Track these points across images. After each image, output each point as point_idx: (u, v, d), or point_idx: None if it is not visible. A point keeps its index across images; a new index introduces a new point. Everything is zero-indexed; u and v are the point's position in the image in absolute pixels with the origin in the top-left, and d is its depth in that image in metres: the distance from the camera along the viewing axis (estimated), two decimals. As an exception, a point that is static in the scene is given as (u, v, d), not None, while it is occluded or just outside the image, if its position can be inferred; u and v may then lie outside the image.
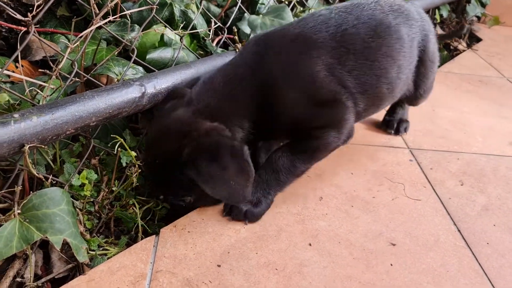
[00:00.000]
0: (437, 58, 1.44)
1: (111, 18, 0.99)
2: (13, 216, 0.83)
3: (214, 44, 1.39)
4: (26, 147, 0.81)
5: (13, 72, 1.24)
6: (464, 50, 2.65)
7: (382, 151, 1.47)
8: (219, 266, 0.96)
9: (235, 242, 1.02)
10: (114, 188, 1.04)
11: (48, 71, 1.01)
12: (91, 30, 0.96)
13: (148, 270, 0.93)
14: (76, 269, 1.02)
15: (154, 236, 1.02)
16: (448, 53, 2.56)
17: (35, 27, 1.21)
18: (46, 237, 0.83)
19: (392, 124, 1.57)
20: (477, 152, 1.52)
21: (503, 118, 1.81)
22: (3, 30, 1.38)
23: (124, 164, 1.06)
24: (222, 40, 1.40)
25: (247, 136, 1.10)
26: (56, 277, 1.00)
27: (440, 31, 2.74)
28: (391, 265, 1.01)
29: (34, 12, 0.85)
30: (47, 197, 0.85)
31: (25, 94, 0.92)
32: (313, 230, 1.08)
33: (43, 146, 0.85)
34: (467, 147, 1.55)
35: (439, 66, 2.39)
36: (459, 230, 1.14)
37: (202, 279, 0.92)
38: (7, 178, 1.13)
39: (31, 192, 0.97)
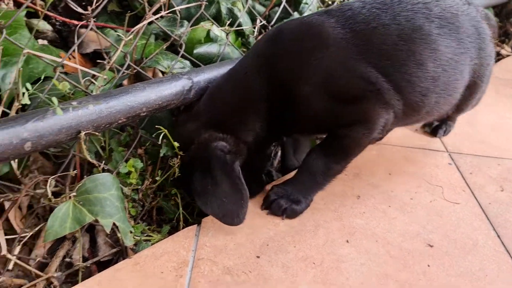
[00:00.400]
0: (489, 79, 1.33)
1: (163, 13, 1.02)
2: (67, 199, 0.87)
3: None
4: (82, 134, 0.86)
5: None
6: (508, 55, 2.59)
7: (420, 153, 1.46)
8: (258, 257, 0.98)
9: (274, 235, 1.04)
10: (157, 178, 1.08)
11: (103, 62, 1.05)
12: (144, 25, 1.00)
13: (190, 258, 0.96)
14: (120, 254, 1.06)
15: (195, 225, 1.05)
16: (491, 57, 2.50)
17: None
18: (97, 220, 0.87)
19: (431, 123, 1.55)
20: (520, 159, 1.50)
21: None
22: (57, 23, 1.45)
23: (161, 154, 1.09)
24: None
25: (263, 137, 1.10)
26: (101, 260, 1.05)
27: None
28: (428, 266, 1.01)
29: (93, 6, 0.90)
30: (99, 182, 0.89)
31: (81, 84, 0.96)
32: (350, 228, 1.09)
33: (97, 134, 0.89)
34: (508, 153, 1.52)
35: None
36: (498, 236, 1.13)
37: (242, 269, 0.94)
38: (58, 163, 1.19)
39: (84, 177, 1.02)
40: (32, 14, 1.33)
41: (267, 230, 1.06)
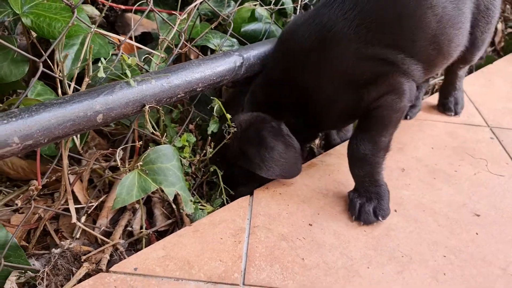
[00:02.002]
0: (496, 10, 1.27)
1: (214, -7, 1.06)
2: (133, 169, 0.93)
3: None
4: (147, 107, 0.91)
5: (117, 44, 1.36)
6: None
7: (461, 129, 1.47)
8: (310, 225, 1.02)
9: (324, 205, 1.08)
10: (210, 150, 1.12)
11: (156, 42, 1.10)
12: (196, 5, 1.04)
13: (246, 225, 1.01)
14: (175, 224, 1.12)
15: (248, 196, 1.10)
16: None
17: (137, 6, 1.31)
18: (161, 188, 0.92)
19: (449, 107, 1.54)
20: (562, 133, 1.49)
21: None
22: (105, 8, 1.50)
23: (209, 132, 1.14)
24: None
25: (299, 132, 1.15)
26: (158, 230, 1.11)
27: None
28: (477, 234, 1.04)
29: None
30: (162, 153, 0.94)
31: (141, 60, 1.01)
32: (397, 198, 1.12)
33: (159, 107, 0.94)
34: (551, 127, 1.52)
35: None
36: (545, 206, 1.14)
37: (296, 236, 0.99)
38: (112, 141, 1.25)
39: (141, 151, 1.07)
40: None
41: (316, 200, 1.10)
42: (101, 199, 1.08)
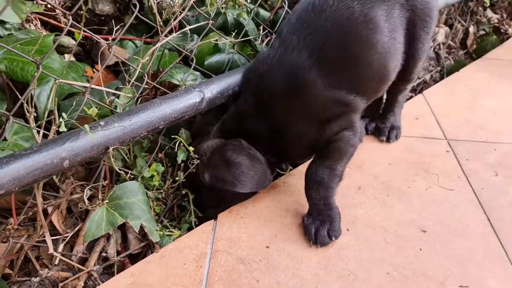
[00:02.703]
0: (432, 20, 1.35)
1: (175, 34, 1.15)
2: (101, 205, 1.02)
3: (263, 45, 1.53)
4: (111, 149, 1.00)
5: (91, 77, 1.44)
6: (514, 34, 2.62)
7: (420, 142, 1.56)
8: (267, 247, 1.12)
9: (282, 227, 1.18)
10: (177, 178, 1.22)
11: (125, 78, 1.18)
12: (157, 46, 1.13)
13: (208, 250, 1.10)
14: (148, 247, 1.22)
15: (213, 221, 1.19)
16: (498, 37, 2.54)
17: (109, 36, 1.40)
18: (127, 222, 1.02)
19: (384, 132, 1.56)
20: (516, 143, 1.58)
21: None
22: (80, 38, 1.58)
23: (179, 161, 1.23)
24: (271, 42, 1.53)
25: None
26: (132, 252, 1.20)
27: (491, 14, 2.71)
28: (420, 249, 1.13)
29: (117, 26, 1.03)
30: (128, 189, 1.04)
31: (105, 101, 1.10)
32: (351, 217, 1.22)
33: (123, 147, 1.03)
34: (506, 138, 1.60)
35: (485, 51, 2.39)
36: (488, 219, 1.24)
37: (253, 258, 1.08)
38: (89, 169, 1.34)
39: (113, 182, 1.17)
40: (53, 29, 1.47)
41: (275, 222, 1.19)
42: (77, 228, 1.18)
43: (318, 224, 1.14)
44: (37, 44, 1.20)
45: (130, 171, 1.14)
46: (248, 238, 1.14)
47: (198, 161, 1.17)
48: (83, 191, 1.24)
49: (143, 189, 1.07)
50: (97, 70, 1.51)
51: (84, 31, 1.06)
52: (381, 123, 1.58)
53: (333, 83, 1.15)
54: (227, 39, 1.32)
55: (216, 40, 1.30)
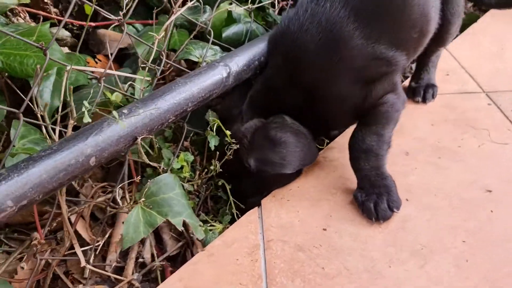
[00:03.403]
0: None
1: (190, 4, 1.01)
2: (135, 204, 0.89)
3: (276, 13, 1.40)
4: (139, 139, 0.86)
5: (95, 67, 1.30)
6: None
7: (457, 98, 1.45)
8: (325, 229, 1.00)
9: (334, 205, 1.06)
10: (210, 167, 1.09)
11: (132, 65, 1.05)
12: (173, 19, 0.99)
13: (259, 240, 0.98)
14: (186, 246, 1.09)
15: (256, 208, 1.07)
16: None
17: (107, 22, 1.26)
18: (168, 220, 0.89)
19: (419, 91, 1.44)
20: (557, 87, 1.47)
21: None
22: (74, 28, 1.44)
23: (212, 147, 1.10)
24: (286, 7, 1.40)
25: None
26: (170, 254, 1.08)
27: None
28: (492, 211, 1.02)
29: (124, 10, 0.89)
30: (163, 183, 0.91)
31: (120, 88, 0.96)
32: (406, 185, 1.10)
33: (151, 136, 0.90)
34: (545, 83, 1.50)
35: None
36: (553, 170, 1.13)
37: (313, 244, 0.96)
38: (107, 169, 1.21)
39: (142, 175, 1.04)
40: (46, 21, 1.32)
41: (326, 201, 1.07)
42: (107, 235, 1.05)
43: (375, 198, 1.01)
44: (35, 35, 1.05)
45: (158, 165, 1.01)
46: (301, 222, 1.02)
47: (236, 146, 1.04)
48: (105, 194, 1.11)
49: (179, 182, 0.94)
50: (99, 60, 1.37)
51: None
52: (415, 83, 1.46)
53: (372, 35, 1.03)
54: (241, 7, 1.19)
55: (230, 9, 1.16)
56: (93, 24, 1.39)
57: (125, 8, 0.89)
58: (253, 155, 1.03)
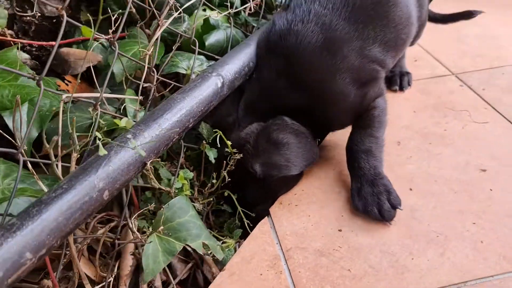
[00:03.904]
0: None
1: (176, 15, 0.95)
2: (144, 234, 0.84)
3: (246, 14, 1.36)
4: (148, 164, 0.81)
5: (68, 90, 1.21)
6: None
7: (431, 83, 1.49)
8: (340, 230, 0.99)
9: (344, 204, 1.05)
10: (213, 181, 1.04)
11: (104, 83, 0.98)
12: (159, 32, 0.93)
13: (278, 251, 0.95)
14: (196, 266, 1.04)
15: (266, 218, 1.04)
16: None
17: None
18: (188, 245, 0.84)
19: (395, 80, 1.47)
20: (518, 63, 1.56)
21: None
22: (33, 49, 1.33)
23: (213, 160, 1.06)
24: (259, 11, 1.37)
25: None
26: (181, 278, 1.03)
27: None
28: (491, 190, 1.06)
29: (113, 28, 0.82)
30: (176, 207, 0.86)
31: (114, 112, 0.90)
32: (406, 175, 1.12)
33: (158, 160, 0.85)
34: (506, 60, 1.58)
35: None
36: (535, 142, 1.19)
37: (332, 247, 0.95)
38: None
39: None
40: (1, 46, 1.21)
41: (335, 201, 1.06)
42: (115, 270, 0.98)
43: (377, 199, 1.01)
44: (4, 62, 0.96)
45: (164, 187, 0.95)
46: (315, 226, 1.00)
47: (240, 156, 1.00)
48: (104, 226, 1.04)
49: (190, 203, 0.89)
50: (69, 81, 1.27)
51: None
52: (390, 73, 1.48)
53: (369, 37, 1.07)
54: (221, 13, 1.15)
55: (207, 16, 1.12)
56: (53, 43, 1.30)
57: (114, 25, 0.82)
58: (258, 160, 1.00)
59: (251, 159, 1.00)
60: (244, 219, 1.02)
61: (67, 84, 1.23)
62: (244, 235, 1.03)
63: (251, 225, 1.03)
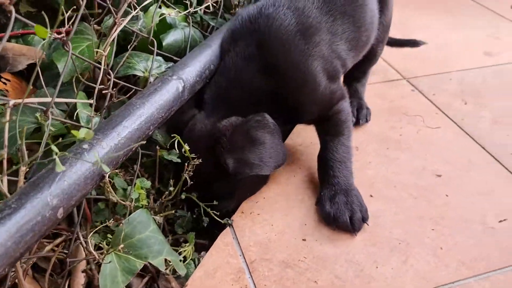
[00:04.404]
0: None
1: (134, 13, 0.88)
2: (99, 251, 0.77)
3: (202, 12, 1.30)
4: (106, 176, 0.74)
5: (7, 90, 1.10)
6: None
7: (384, 87, 1.51)
8: (304, 240, 0.97)
9: (307, 212, 1.04)
10: (171, 189, 0.99)
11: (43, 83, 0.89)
12: (117, 30, 0.86)
13: (242, 263, 0.92)
14: (152, 280, 0.99)
15: (228, 228, 1.00)
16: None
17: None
18: (149, 263, 0.79)
19: (352, 111, 1.32)
20: (463, 69, 1.62)
21: (472, 29, 1.92)
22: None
23: (179, 160, 1.00)
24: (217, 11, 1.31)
25: None
26: (137, 293, 0.96)
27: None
28: (447, 195, 1.08)
29: (67, 26, 0.74)
30: (137, 221, 0.80)
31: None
32: (367, 180, 1.12)
33: (117, 171, 0.78)
34: (453, 65, 1.64)
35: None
36: (483, 147, 1.24)
37: (297, 257, 0.93)
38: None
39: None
40: None
41: (297, 209, 1.04)
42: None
43: (350, 208, 1.00)
44: None
45: (119, 200, 0.88)
46: (278, 236, 0.98)
47: (199, 161, 0.94)
48: (51, 241, 0.95)
49: (151, 217, 0.83)
50: (8, 80, 1.16)
51: None
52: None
53: (338, 29, 1.07)
54: (180, 12, 1.08)
55: (164, 14, 1.06)
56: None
57: (68, 23, 0.74)
58: (232, 156, 0.95)
59: (225, 153, 0.94)
60: (204, 219, 0.97)
61: (5, 83, 1.12)
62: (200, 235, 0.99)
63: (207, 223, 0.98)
